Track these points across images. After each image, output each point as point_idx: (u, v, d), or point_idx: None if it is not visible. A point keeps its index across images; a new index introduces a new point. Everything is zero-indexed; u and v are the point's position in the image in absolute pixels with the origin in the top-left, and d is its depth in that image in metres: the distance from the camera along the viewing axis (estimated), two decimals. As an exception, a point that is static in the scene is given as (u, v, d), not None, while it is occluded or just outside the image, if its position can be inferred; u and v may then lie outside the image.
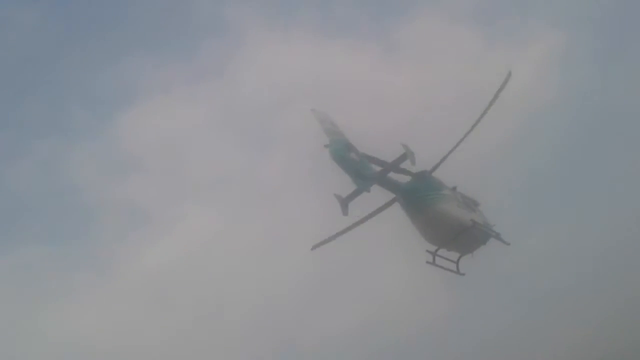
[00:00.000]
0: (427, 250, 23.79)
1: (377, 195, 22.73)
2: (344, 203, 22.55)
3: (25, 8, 48.47)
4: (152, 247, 48.86)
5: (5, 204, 48.74)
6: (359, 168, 20.97)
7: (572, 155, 48.17)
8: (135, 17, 52.36)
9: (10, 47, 48.76)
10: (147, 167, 51.79)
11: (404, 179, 22.71)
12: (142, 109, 52.87)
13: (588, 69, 52.79)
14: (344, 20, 58.38)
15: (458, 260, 24.58)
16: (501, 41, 54.69)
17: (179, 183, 51.09)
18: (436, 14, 54.41)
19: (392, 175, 22.41)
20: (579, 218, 45.22)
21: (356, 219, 24.31)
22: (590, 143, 48.43)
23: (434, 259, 23.82)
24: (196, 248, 47.16)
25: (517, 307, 41.05)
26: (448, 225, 22.91)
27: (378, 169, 21.69)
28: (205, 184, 50.89)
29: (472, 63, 50.89)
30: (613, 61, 52.89)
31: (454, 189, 23.84)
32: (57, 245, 48.76)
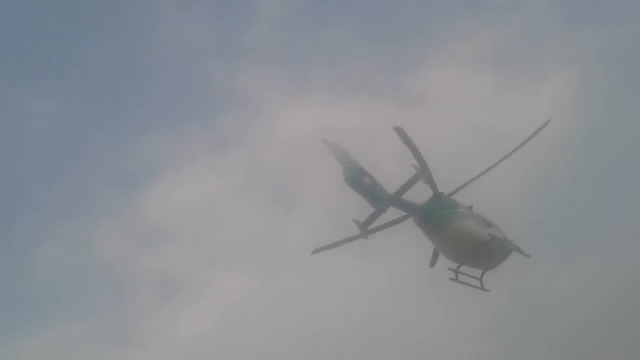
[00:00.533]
0: (450, 268, 24.44)
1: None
2: (364, 226, 23.29)
3: (45, 97, 50.66)
4: (186, 315, 49.40)
5: (37, 284, 49.74)
6: (374, 191, 21.96)
7: (588, 193, 48.26)
8: (155, 95, 54.44)
9: (33, 134, 50.81)
10: (175, 237, 52.77)
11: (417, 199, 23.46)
12: (167, 182, 54.41)
13: (602, 104, 53.27)
14: (358, 79, 60.04)
15: (481, 276, 25.14)
16: (512, 83, 55.49)
17: (208, 250, 51.94)
18: (447, 63, 55.66)
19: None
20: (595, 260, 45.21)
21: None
22: (608, 179, 48.58)
23: (456, 275, 24.41)
24: (230, 312, 47.73)
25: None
26: (466, 241, 23.47)
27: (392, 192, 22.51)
28: (233, 248, 51.70)
29: (486, 107, 51.78)
30: (626, 94, 53.30)
31: (470, 207, 24.57)
32: (92, 322, 49.47)
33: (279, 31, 57.85)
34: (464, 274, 24.67)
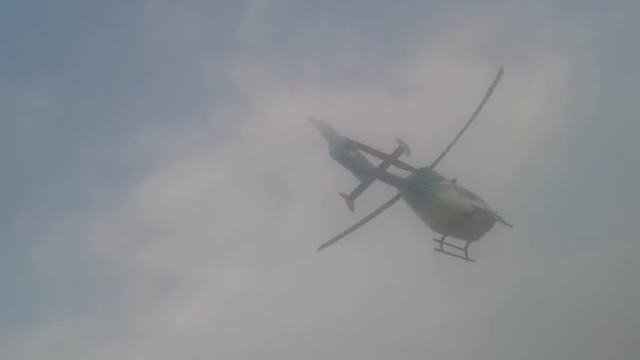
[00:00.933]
0: (435, 239, 25.20)
1: (381, 192, 24.38)
2: (350, 199, 23.83)
3: (37, 95, 50.56)
4: (183, 310, 49.75)
5: (33, 281, 49.91)
6: (359, 164, 22.78)
7: (585, 183, 48.68)
8: (146, 90, 54.33)
9: (26, 131, 50.72)
10: (170, 232, 52.92)
11: (403, 174, 24.30)
12: (161, 177, 54.60)
13: (596, 91, 53.57)
14: (351, 71, 60.00)
15: (466, 247, 25.99)
16: (506, 73, 55.27)
17: (204, 244, 52.22)
18: (440, 54, 55.74)
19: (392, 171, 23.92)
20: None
21: (362, 217, 25.73)
22: (604, 168, 48.96)
23: (441, 246, 25.18)
24: (227, 307, 48.17)
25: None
26: (450, 212, 24.35)
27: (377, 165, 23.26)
28: (229, 243, 51.88)
29: (480, 97, 51.74)
30: (620, 80, 53.58)
31: (454, 180, 25.41)
32: (88, 318, 49.75)
33: (270, 24, 57.91)
34: (448, 244, 25.43)
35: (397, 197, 24.82)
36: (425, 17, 59.56)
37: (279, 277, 48.48)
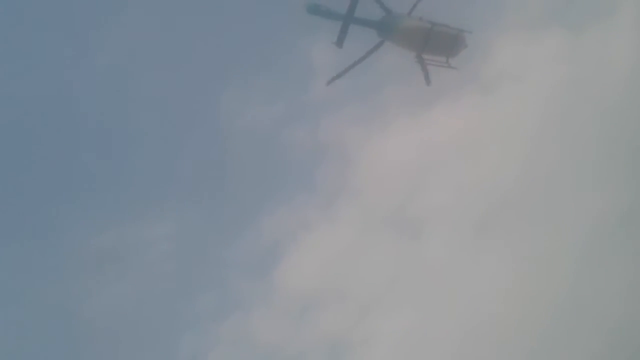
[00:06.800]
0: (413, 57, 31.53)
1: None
2: (339, 42, 29.56)
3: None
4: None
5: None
6: (333, 11, 29.15)
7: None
8: (247, 177, 57.72)
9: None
10: (324, 301, 55.98)
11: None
12: (295, 254, 57.80)
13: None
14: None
15: (447, 60, 31.95)
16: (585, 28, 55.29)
17: (358, 300, 54.63)
18: (512, 35, 56.30)
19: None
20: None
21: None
22: None
23: (420, 59, 31.39)
24: (402, 351, 49.77)
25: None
26: (414, 33, 30.52)
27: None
28: (381, 290, 54.19)
29: (566, 59, 52.40)
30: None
31: (420, 17, 31.05)
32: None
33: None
34: (429, 59, 31.55)
35: (381, 44, 30.82)
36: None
37: (441, 308, 50.35)
